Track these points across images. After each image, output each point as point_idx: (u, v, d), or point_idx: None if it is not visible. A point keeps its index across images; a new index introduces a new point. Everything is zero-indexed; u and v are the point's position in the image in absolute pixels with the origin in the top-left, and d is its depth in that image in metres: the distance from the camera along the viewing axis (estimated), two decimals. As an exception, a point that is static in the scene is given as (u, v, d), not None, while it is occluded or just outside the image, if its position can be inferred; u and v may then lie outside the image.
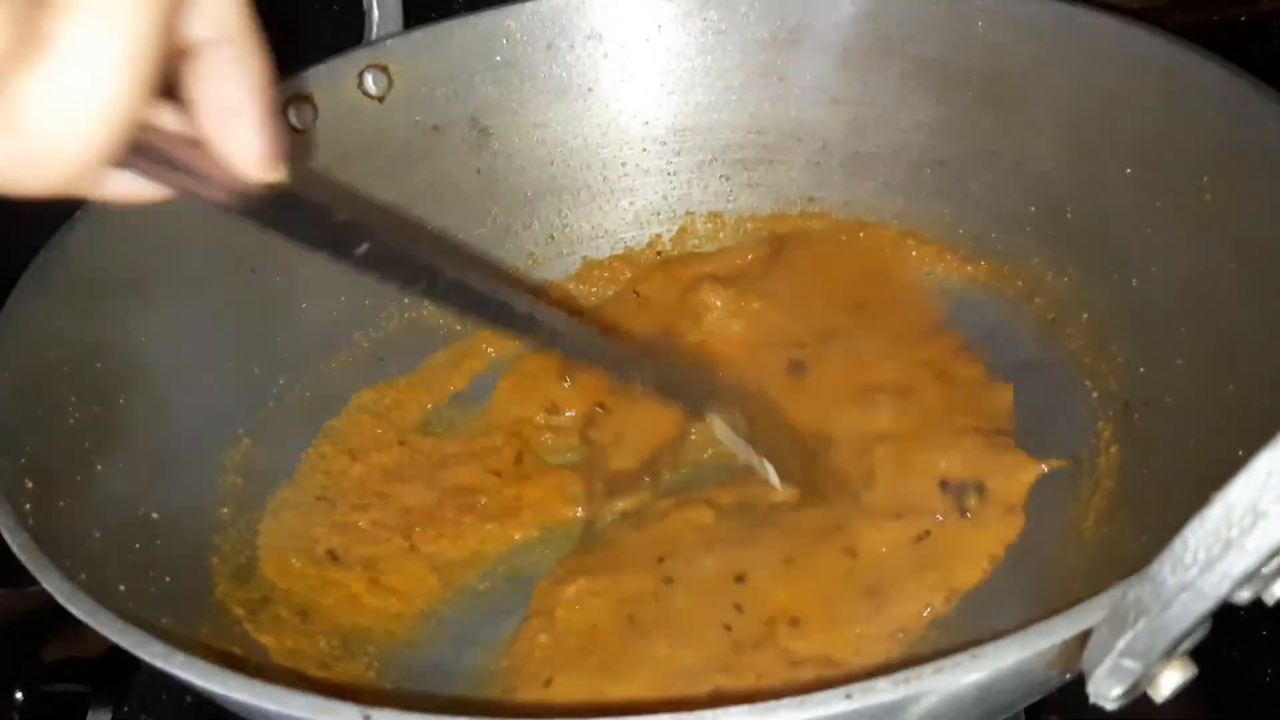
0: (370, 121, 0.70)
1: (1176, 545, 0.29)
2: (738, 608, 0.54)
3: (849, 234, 0.73)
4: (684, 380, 0.59)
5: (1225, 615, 0.31)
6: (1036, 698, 0.41)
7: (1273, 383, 0.48)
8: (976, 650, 0.33)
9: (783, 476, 0.58)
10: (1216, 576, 0.29)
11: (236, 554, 0.58)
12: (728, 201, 0.76)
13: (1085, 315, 0.62)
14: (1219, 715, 0.56)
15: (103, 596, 0.40)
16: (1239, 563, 0.28)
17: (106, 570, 0.47)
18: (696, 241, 0.76)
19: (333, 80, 0.69)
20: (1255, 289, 0.52)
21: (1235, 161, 0.55)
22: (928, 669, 0.33)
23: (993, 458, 0.59)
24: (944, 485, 0.58)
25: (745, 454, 0.58)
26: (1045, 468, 0.58)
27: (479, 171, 0.74)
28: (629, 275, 0.75)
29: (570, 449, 0.67)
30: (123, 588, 0.47)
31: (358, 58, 0.70)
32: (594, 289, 0.75)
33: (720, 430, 0.58)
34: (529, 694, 0.52)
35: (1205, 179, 0.57)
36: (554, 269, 0.76)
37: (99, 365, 0.56)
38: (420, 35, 0.71)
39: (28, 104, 0.26)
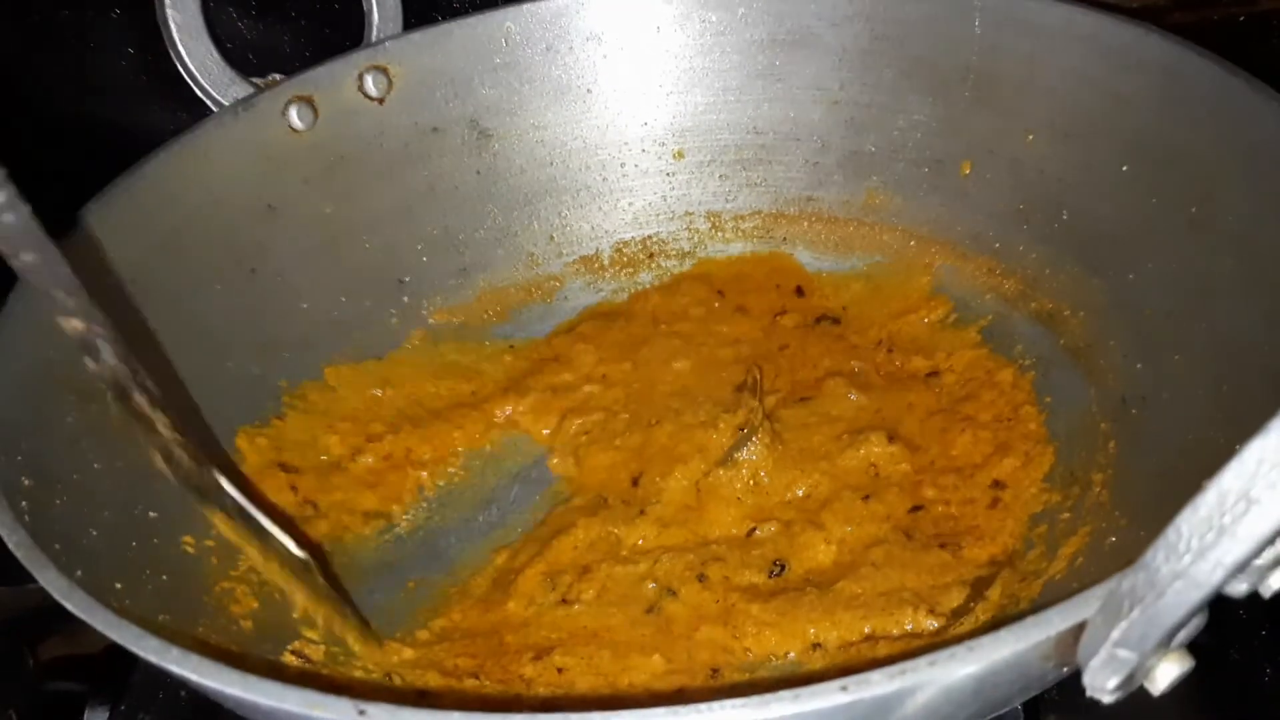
0: (370, 123, 0.70)
1: (1170, 533, 0.29)
2: None
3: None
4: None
5: (1224, 615, 0.31)
6: (1034, 693, 0.41)
7: (1269, 378, 0.48)
8: (972, 643, 0.33)
9: None
10: (1210, 564, 0.29)
11: (234, 552, 0.58)
12: (726, 201, 0.76)
13: (1082, 312, 0.63)
14: (1217, 714, 0.56)
15: (100, 594, 0.40)
16: (1232, 550, 0.28)
17: (103, 568, 0.47)
18: (697, 238, 0.76)
19: (333, 82, 0.69)
20: (1251, 286, 0.52)
21: (1233, 160, 0.55)
22: (923, 661, 0.33)
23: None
24: None
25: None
26: None
27: (478, 172, 0.74)
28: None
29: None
30: (119, 585, 0.47)
31: (357, 59, 0.70)
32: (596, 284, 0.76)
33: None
34: None
35: (1202, 177, 0.57)
36: (553, 268, 0.76)
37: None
38: (420, 37, 0.71)
39: None
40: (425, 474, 0.66)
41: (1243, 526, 0.28)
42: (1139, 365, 0.57)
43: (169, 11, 0.69)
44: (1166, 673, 0.34)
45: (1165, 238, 0.58)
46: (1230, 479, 0.28)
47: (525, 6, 0.72)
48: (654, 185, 0.76)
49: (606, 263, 0.76)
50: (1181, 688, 0.34)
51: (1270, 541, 0.28)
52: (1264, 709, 0.56)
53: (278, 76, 0.70)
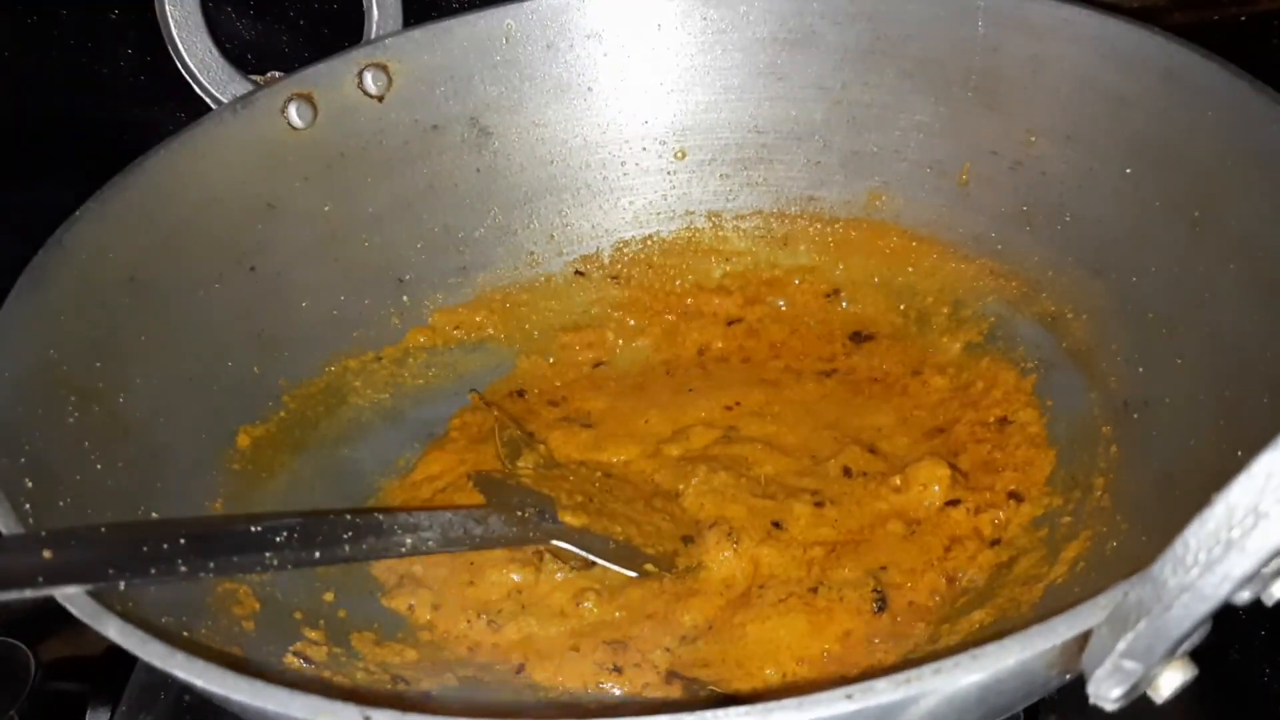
0: (370, 120, 0.70)
1: (1177, 546, 0.29)
2: None
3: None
4: (520, 521, 0.59)
5: (1223, 616, 0.31)
6: (1037, 698, 0.41)
7: (1271, 383, 0.48)
8: (977, 651, 0.33)
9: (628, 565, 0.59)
10: (1217, 578, 0.29)
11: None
12: (727, 201, 0.76)
13: (1084, 315, 0.62)
14: (1217, 715, 0.56)
15: (102, 596, 0.40)
16: (1240, 564, 0.28)
17: (106, 570, 0.47)
18: (695, 236, 0.76)
19: (332, 79, 0.69)
20: (1254, 289, 0.52)
21: (1235, 161, 0.55)
22: (928, 669, 0.33)
23: None
24: None
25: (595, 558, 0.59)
26: None
27: (478, 171, 0.74)
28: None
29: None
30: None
31: (357, 57, 0.69)
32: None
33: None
34: None
35: (1205, 179, 0.57)
36: (553, 267, 0.76)
37: (99, 365, 0.56)
38: (420, 34, 0.71)
39: None
40: None
41: (1251, 540, 0.28)
42: (1141, 369, 0.57)
43: (168, 9, 0.69)
44: (1170, 681, 0.34)
45: (1168, 241, 0.58)
46: (1238, 493, 0.28)
47: (526, 4, 0.72)
48: (654, 184, 0.76)
49: (608, 262, 0.76)
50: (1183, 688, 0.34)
51: (1277, 553, 0.28)
52: (1264, 710, 0.56)
53: (277, 74, 0.70)
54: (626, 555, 0.58)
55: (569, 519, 0.59)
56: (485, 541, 0.57)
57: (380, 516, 0.53)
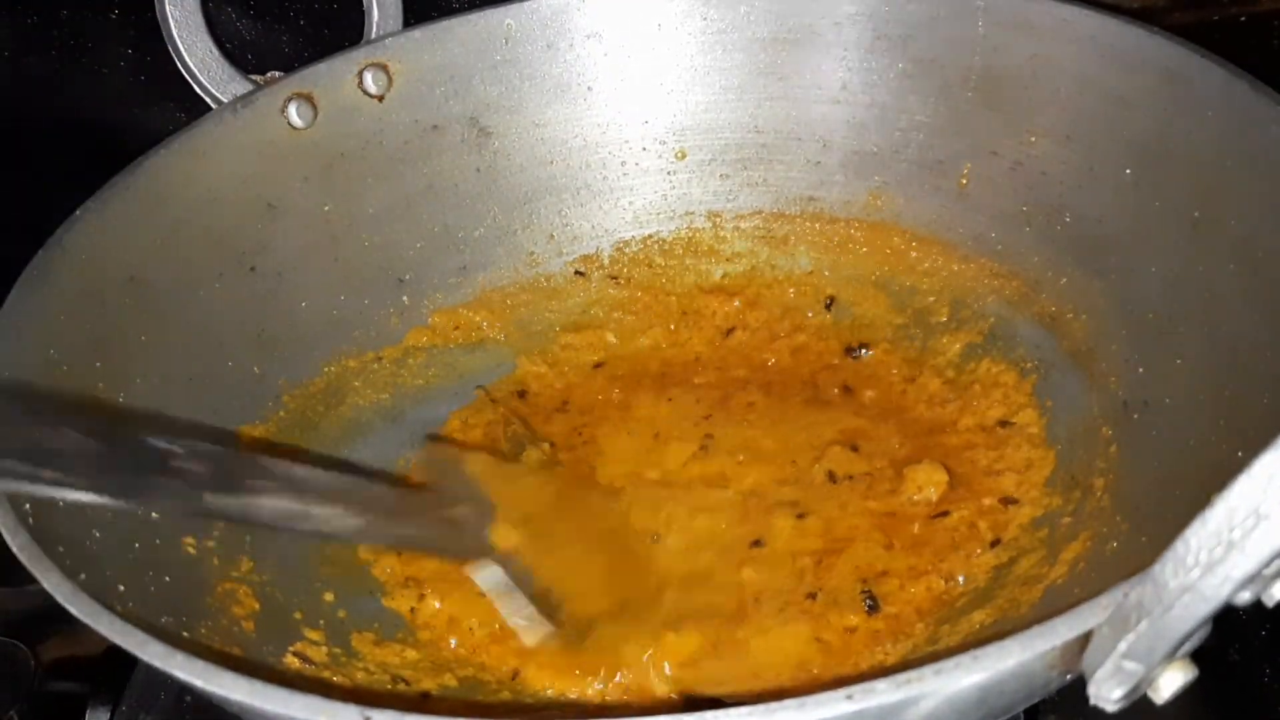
0: (370, 120, 0.70)
1: (1178, 547, 0.29)
2: None
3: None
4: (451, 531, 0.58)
5: (1224, 616, 0.31)
6: (1037, 699, 0.41)
7: (1272, 383, 0.48)
8: (977, 651, 0.33)
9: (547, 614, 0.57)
10: (1218, 579, 0.29)
11: (235, 553, 0.58)
12: (727, 201, 0.76)
13: (1084, 315, 0.62)
14: (1217, 715, 0.56)
15: (103, 597, 0.40)
16: (1240, 565, 0.28)
17: (106, 570, 0.47)
18: (695, 237, 0.76)
19: (332, 79, 0.69)
20: (1254, 289, 0.52)
21: (1235, 162, 0.55)
22: (928, 670, 0.33)
23: None
24: None
25: (506, 606, 0.57)
26: None
27: (478, 171, 0.74)
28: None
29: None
30: (122, 588, 0.47)
31: (357, 56, 0.70)
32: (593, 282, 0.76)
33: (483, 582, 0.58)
34: None
35: (1205, 179, 0.57)
36: (553, 267, 0.76)
37: (99, 365, 0.56)
38: (420, 34, 0.71)
39: None
40: None
41: (1252, 541, 0.28)
42: (1141, 369, 0.57)
43: (168, 8, 0.69)
44: (1171, 682, 0.34)
45: (1168, 241, 0.58)
46: (1239, 493, 0.28)
47: (526, 4, 0.72)
48: (654, 184, 0.76)
49: (607, 262, 0.76)
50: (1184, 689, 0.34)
51: (1278, 554, 0.28)
52: (1264, 709, 0.56)
53: (277, 74, 0.70)
54: (543, 602, 0.56)
55: (503, 533, 0.59)
56: (402, 541, 0.56)
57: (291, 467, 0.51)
